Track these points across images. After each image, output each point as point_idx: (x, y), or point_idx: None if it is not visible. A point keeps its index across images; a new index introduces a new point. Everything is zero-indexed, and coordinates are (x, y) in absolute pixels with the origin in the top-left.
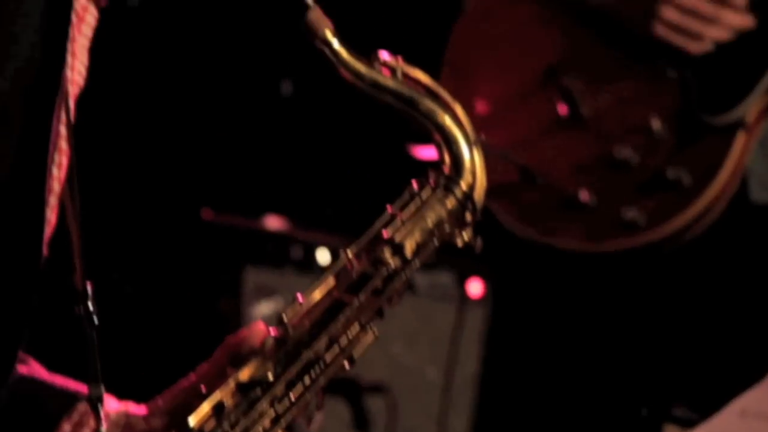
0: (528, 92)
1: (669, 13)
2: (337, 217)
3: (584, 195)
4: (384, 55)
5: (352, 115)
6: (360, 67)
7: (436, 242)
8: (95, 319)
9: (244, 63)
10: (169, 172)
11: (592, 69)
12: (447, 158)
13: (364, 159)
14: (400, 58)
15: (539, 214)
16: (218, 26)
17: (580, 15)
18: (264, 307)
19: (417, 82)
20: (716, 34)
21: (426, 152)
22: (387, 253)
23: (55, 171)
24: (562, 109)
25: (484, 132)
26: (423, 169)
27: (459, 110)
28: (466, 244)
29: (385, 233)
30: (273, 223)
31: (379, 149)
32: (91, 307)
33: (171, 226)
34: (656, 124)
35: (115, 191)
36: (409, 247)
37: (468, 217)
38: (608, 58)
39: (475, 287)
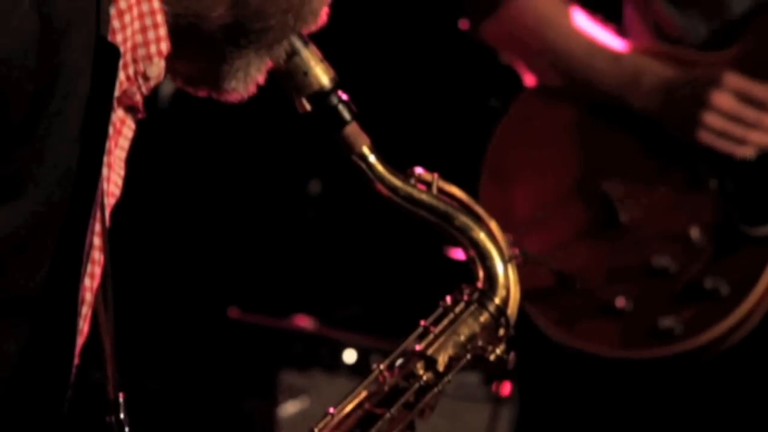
0: (567, 196)
1: (712, 119)
2: (364, 318)
3: (621, 302)
4: (419, 170)
5: (379, 214)
6: (395, 181)
7: (468, 356)
8: (126, 429)
9: (273, 161)
10: (197, 271)
11: (631, 175)
12: (481, 273)
13: (391, 259)
14: (436, 174)
15: (575, 319)
16: (247, 125)
17: (621, 119)
18: (291, 407)
19: (452, 197)
20: (759, 138)
21: (458, 253)
22: (419, 367)
23: (87, 282)
24: (601, 214)
25: (522, 235)
26: (447, 271)
27: (494, 226)
28: (499, 358)
29: (418, 347)
30: (301, 322)
31: (406, 249)
32: (122, 416)
33: (199, 325)
34: (695, 233)
35: (144, 290)
36: (441, 361)
37: (501, 332)
38: (648, 165)
39: (504, 388)
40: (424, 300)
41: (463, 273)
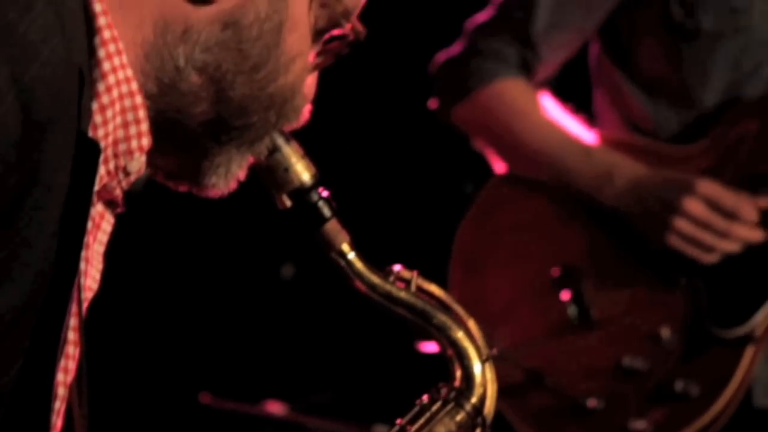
0: (538, 291)
1: (682, 225)
2: (336, 404)
3: (592, 402)
4: (398, 267)
5: (352, 300)
6: (374, 279)
7: None
8: None
9: (245, 246)
10: (169, 356)
11: (603, 272)
12: (458, 372)
13: (363, 345)
14: (415, 272)
15: (545, 418)
16: (221, 208)
17: (593, 214)
18: None
19: (431, 296)
20: (727, 246)
21: (430, 346)
22: None
23: (61, 377)
24: (573, 311)
25: (491, 327)
26: (420, 360)
27: (472, 325)
28: None
29: None
30: (272, 408)
31: (379, 335)
32: None
33: (170, 410)
34: (666, 333)
35: (117, 378)
36: None
37: (478, 431)
38: (620, 263)
39: None
40: (396, 388)
41: (435, 362)
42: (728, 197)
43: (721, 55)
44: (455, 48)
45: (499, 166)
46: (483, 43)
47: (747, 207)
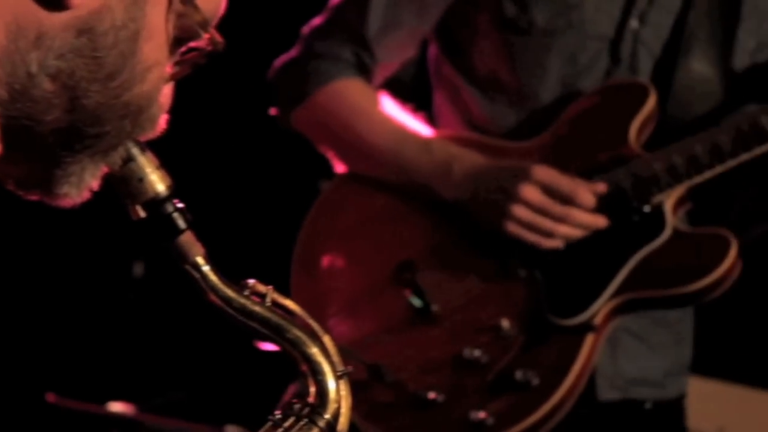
0: (379, 286)
1: (519, 211)
2: (185, 404)
3: (432, 395)
4: (253, 281)
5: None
6: (229, 292)
7: None
8: None
9: (96, 243)
10: (14, 355)
11: (444, 266)
12: (312, 388)
13: (213, 344)
14: (270, 287)
15: (386, 413)
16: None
17: (433, 208)
18: None
19: (286, 311)
20: (566, 231)
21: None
22: None
23: None
24: (413, 305)
25: (333, 325)
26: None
27: (327, 340)
28: None
29: None
30: (118, 408)
31: (228, 336)
32: None
33: (15, 410)
34: (506, 324)
35: None
36: None
37: None
38: (460, 254)
39: None
40: (246, 388)
41: (285, 363)
42: (565, 182)
43: (555, 51)
44: (291, 52)
45: (339, 167)
46: (319, 45)
47: (584, 191)
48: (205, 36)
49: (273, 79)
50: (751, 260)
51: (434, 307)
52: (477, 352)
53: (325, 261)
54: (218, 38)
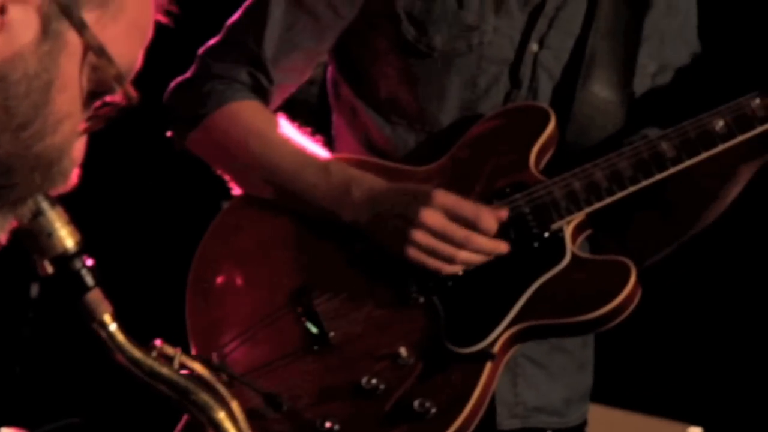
0: (276, 313)
1: (420, 236)
2: (80, 428)
3: (329, 424)
4: (161, 343)
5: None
6: (136, 353)
7: None
8: None
9: None
10: None
11: (342, 291)
12: None
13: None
14: (178, 349)
15: None
16: None
17: (333, 233)
18: None
19: (194, 374)
20: (467, 257)
21: None
22: None
23: None
24: (310, 332)
25: (230, 353)
26: None
27: (235, 406)
28: None
29: None
30: None
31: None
32: None
33: None
34: (403, 351)
35: None
36: None
37: None
38: (359, 281)
39: None
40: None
41: None
42: (467, 207)
43: (455, 74)
44: (187, 74)
45: (237, 190)
46: (215, 66)
47: (486, 216)
48: (120, 91)
49: (168, 101)
50: (652, 287)
51: (331, 335)
52: (374, 381)
53: (221, 286)
54: (133, 93)
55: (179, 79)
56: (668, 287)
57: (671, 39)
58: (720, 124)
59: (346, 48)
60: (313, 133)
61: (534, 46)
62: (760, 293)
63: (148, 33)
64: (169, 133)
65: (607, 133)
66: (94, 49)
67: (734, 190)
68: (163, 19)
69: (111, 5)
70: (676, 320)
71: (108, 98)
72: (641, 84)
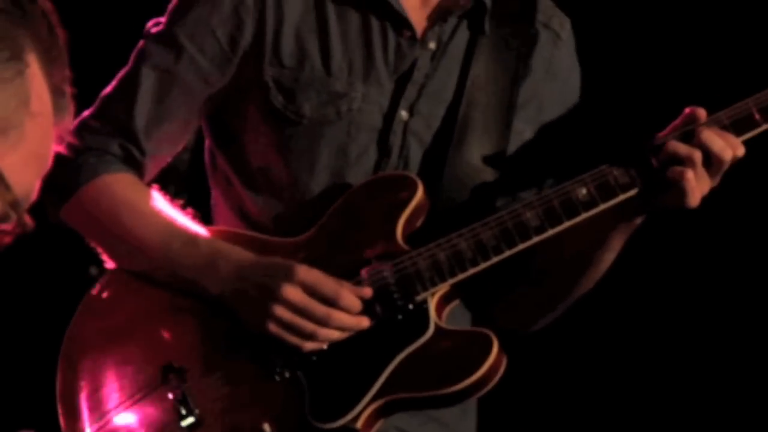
0: (146, 389)
1: (280, 311)
2: None
3: None
4: None
5: None
6: None
7: None
8: None
9: None
10: None
11: (208, 369)
12: None
13: None
14: None
15: None
16: None
17: (199, 307)
18: None
19: None
20: (327, 334)
21: None
22: None
23: None
24: (178, 410)
25: (98, 430)
26: None
27: None
28: None
29: None
30: None
31: None
32: None
33: None
34: (267, 428)
35: None
36: None
37: None
38: (225, 358)
39: None
40: None
41: None
42: (328, 284)
43: (324, 142)
44: (61, 146)
45: (110, 263)
46: (88, 138)
47: (347, 294)
48: (14, 219)
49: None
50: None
51: (197, 411)
52: None
53: (92, 362)
54: (28, 222)
55: (54, 152)
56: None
57: (550, 104)
58: (583, 192)
59: (220, 116)
60: (184, 206)
61: (404, 114)
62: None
63: (47, 162)
64: (46, 205)
65: (479, 199)
66: None
67: (608, 257)
68: (62, 150)
69: (11, 134)
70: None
71: (2, 225)
72: (516, 149)
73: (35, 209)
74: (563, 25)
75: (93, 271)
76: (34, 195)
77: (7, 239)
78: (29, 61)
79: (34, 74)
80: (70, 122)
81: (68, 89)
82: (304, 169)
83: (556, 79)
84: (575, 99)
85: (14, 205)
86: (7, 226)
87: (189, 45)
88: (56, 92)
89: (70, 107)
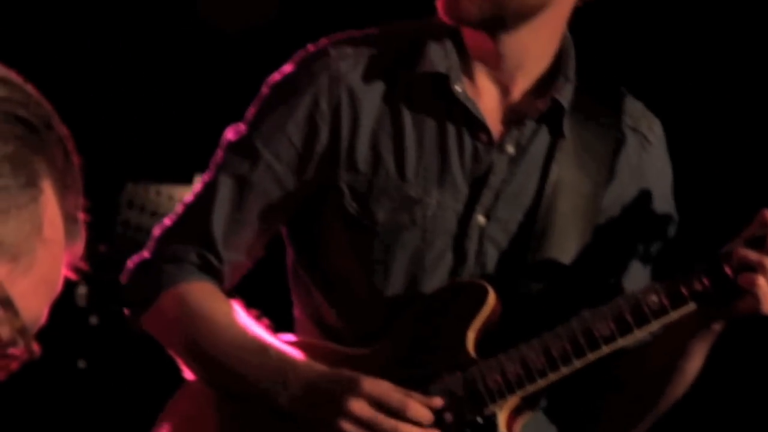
0: None
1: (347, 425)
2: None
3: None
4: None
5: None
6: None
7: None
8: None
9: None
10: None
11: None
12: None
13: None
14: None
15: None
16: None
17: (273, 421)
18: None
19: None
20: None
21: None
22: None
23: None
24: None
25: None
26: None
27: None
28: None
29: None
30: None
31: None
32: None
33: None
34: None
35: None
36: None
37: None
38: None
39: None
40: None
41: None
42: (395, 396)
43: (400, 249)
44: (144, 254)
45: (187, 374)
46: (168, 247)
47: (415, 405)
48: (22, 344)
49: (124, 283)
50: None
51: None
52: None
53: None
54: (35, 348)
55: (135, 259)
56: None
57: (635, 210)
58: (654, 299)
59: (298, 222)
60: (259, 316)
61: (480, 219)
62: None
63: (57, 288)
64: (126, 313)
65: (553, 306)
66: (1, 302)
67: (691, 365)
68: (72, 275)
69: (23, 260)
70: None
71: (10, 350)
72: (595, 255)
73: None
74: (652, 127)
75: (81, 364)
76: (42, 320)
77: (15, 365)
78: (44, 187)
79: (48, 200)
80: (81, 248)
81: (81, 216)
82: (379, 275)
83: (643, 184)
84: (664, 205)
85: (22, 331)
86: (15, 352)
87: (265, 151)
88: (69, 218)
89: (82, 233)
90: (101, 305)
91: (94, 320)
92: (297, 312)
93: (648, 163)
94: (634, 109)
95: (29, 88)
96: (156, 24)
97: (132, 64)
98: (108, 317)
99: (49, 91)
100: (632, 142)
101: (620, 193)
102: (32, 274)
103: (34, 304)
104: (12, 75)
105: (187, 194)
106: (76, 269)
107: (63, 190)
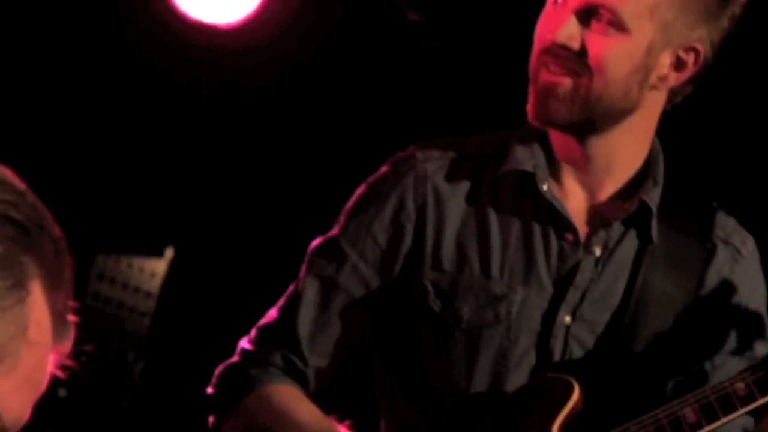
0: None
1: None
2: None
3: None
4: None
5: None
6: None
7: None
8: None
9: None
10: None
11: None
12: None
13: None
14: None
15: None
16: None
17: None
18: None
19: None
20: None
21: None
22: None
23: None
24: None
25: None
26: None
27: None
28: None
29: None
30: None
31: None
32: None
33: None
34: None
35: None
36: None
37: None
38: None
39: None
40: None
41: None
42: None
43: (484, 346)
44: (231, 360)
45: None
46: (251, 351)
47: None
48: None
49: (211, 388)
50: None
51: None
52: None
53: None
54: None
55: (222, 366)
56: None
57: (725, 321)
58: (741, 386)
59: (383, 328)
60: (341, 419)
61: (566, 318)
62: None
63: (41, 388)
64: (210, 420)
65: (637, 402)
66: None
67: None
68: (59, 374)
69: (6, 361)
70: None
71: None
72: (682, 357)
73: None
74: (746, 242)
75: (61, 392)
76: (24, 419)
77: None
78: (32, 288)
79: (35, 302)
80: (69, 347)
81: (70, 317)
82: (463, 373)
83: (734, 295)
84: (755, 319)
85: None
86: None
87: (351, 252)
88: (57, 317)
89: (71, 333)
90: (70, 377)
91: (62, 392)
92: (383, 423)
93: (739, 275)
94: (727, 223)
95: (23, 188)
96: (129, 100)
97: (105, 136)
98: (76, 390)
99: (20, 160)
100: (723, 254)
101: (709, 302)
102: (15, 375)
103: (16, 404)
104: (6, 174)
105: (158, 266)
106: (62, 368)
107: (52, 290)
